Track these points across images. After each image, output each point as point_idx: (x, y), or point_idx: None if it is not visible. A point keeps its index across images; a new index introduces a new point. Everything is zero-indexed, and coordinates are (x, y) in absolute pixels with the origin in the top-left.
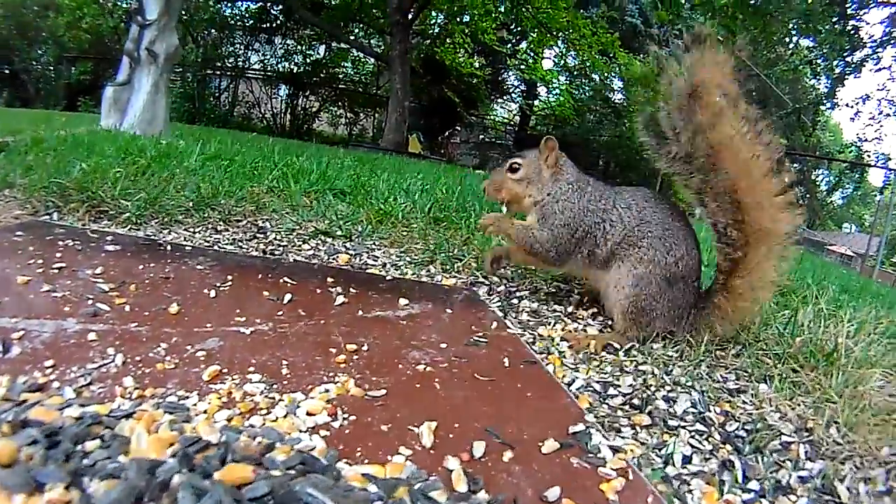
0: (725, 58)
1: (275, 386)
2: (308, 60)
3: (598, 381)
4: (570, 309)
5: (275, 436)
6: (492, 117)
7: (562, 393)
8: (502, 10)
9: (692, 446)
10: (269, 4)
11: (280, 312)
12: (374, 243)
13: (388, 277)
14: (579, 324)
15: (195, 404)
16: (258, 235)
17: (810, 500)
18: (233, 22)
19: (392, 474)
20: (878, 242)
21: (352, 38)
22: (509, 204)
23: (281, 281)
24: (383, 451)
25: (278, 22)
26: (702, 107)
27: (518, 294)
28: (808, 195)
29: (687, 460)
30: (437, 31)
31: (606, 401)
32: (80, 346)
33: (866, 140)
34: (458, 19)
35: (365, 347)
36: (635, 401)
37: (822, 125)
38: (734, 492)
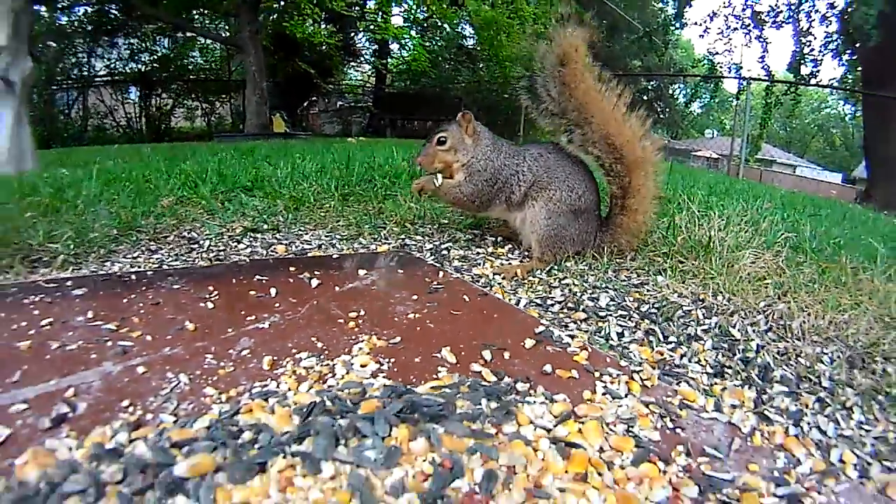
0: (583, 33)
1: (322, 357)
2: (155, 57)
3: (536, 298)
4: (490, 249)
5: (356, 385)
6: (348, 82)
7: (516, 310)
8: None
9: (621, 326)
10: (105, 5)
11: (277, 304)
12: (300, 230)
13: (334, 256)
14: (503, 259)
15: (277, 387)
16: (193, 247)
17: (714, 341)
18: (70, 30)
19: (448, 382)
20: (738, 143)
21: (197, 26)
22: (442, 171)
23: (255, 279)
24: (428, 373)
25: (118, 22)
26: (568, 71)
27: (444, 246)
28: (668, 109)
29: (620, 335)
30: (283, 4)
31: (549, 309)
32: (138, 381)
33: (717, 53)
34: None
35: (362, 312)
36: (569, 304)
37: (673, 44)
38: (660, 347)
